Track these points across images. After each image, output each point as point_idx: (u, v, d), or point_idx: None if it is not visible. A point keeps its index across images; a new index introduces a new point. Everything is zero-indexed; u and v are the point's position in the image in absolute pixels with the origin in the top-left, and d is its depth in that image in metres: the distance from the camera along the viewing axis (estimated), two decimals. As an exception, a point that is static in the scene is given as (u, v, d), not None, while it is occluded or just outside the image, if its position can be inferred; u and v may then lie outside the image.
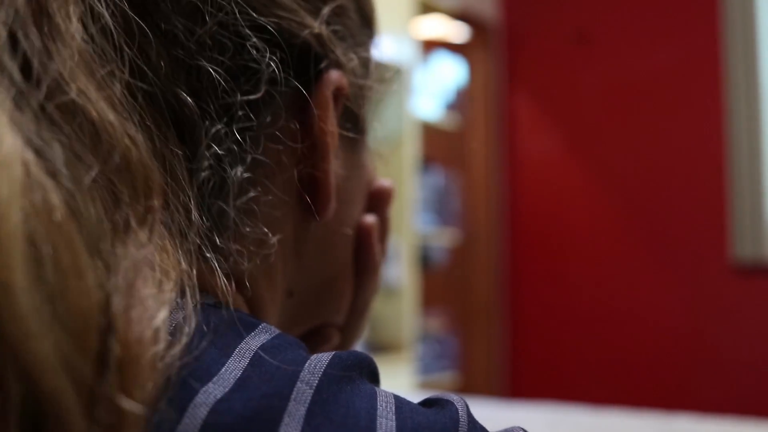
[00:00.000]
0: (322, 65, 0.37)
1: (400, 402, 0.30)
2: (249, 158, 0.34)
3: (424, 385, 3.13)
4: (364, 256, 0.42)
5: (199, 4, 0.32)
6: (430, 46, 3.87)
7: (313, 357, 0.30)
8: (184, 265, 0.29)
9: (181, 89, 0.32)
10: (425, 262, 3.22)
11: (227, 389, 0.27)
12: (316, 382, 0.28)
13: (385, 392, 0.31)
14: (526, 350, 3.78)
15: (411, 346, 2.91)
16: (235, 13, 0.33)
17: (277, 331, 0.31)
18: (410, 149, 3.04)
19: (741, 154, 3.64)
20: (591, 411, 2.28)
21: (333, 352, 0.31)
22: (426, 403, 0.31)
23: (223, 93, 0.33)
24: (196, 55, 0.32)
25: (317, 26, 0.37)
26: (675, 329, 3.82)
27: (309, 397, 0.28)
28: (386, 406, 0.29)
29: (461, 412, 0.31)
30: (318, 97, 0.36)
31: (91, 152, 0.26)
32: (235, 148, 0.33)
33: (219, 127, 0.33)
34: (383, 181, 0.44)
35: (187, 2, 0.32)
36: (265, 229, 0.35)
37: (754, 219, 3.60)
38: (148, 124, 0.30)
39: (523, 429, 0.33)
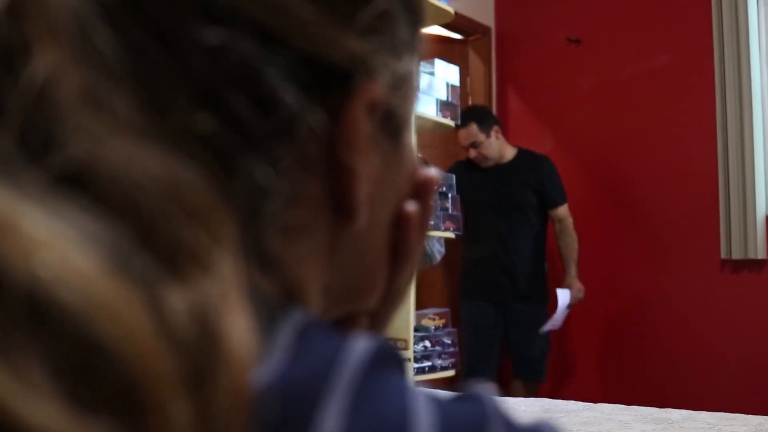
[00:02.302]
0: (354, 80, 0.35)
1: (432, 395, 0.31)
2: (278, 184, 0.33)
3: (421, 382, 3.16)
4: (401, 244, 0.41)
5: (217, 38, 0.31)
6: (428, 49, 3.91)
7: (355, 343, 0.31)
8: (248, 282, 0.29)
9: (203, 121, 0.31)
10: (422, 259, 3.25)
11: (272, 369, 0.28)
12: (360, 369, 0.29)
13: (416, 387, 0.31)
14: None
15: (408, 342, 2.95)
16: (251, 46, 0.32)
17: (317, 320, 0.32)
18: (407, 149, 3.08)
19: (730, 158, 3.70)
20: (586, 404, 2.32)
21: (373, 341, 0.31)
22: (455, 399, 0.32)
23: (247, 123, 0.32)
24: (216, 85, 0.31)
25: (349, 43, 0.35)
26: (668, 320, 3.86)
27: (350, 384, 0.28)
28: (421, 399, 0.30)
29: (490, 405, 0.32)
30: (347, 114, 0.35)
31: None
32: (266, 175, 0.32)
33: (247, 157, 0.32)
34: (429, 170, 0.43)
35: (205, 34, 0.31)
36: (298, 246, 0.35)
37: (742, 220, 3.66)
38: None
39: (550, 424, 0.33)
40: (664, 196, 3.92)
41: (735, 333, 3.68)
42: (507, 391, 3.55)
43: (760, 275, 3.67)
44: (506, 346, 3.90)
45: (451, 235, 3.35)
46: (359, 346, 0.31)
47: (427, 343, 3.20)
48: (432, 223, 3.20)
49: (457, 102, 3.45)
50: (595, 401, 2.59)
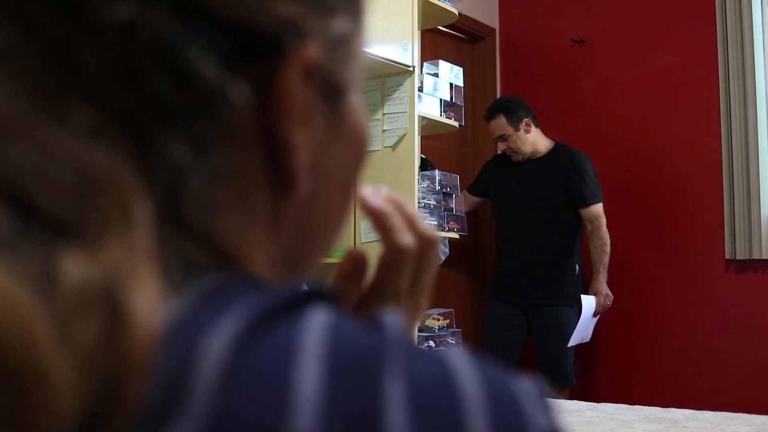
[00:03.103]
0: (284, 46, 0.34)
1: (342, 327, 0.31)
2: (202, 158, 0.33)
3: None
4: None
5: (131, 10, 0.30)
6: (433, 50, 3.92)
7: (259, 294, 0.31)
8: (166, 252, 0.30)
9: (121, 95, 0.30)
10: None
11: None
12: (253, 317, 0.30)
13: (327, 319, 0.31)
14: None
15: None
16: (166, 19, 0.31)
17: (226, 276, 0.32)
18: (411, 149, 3.09)
19: (735, 158, 3.70)
20: (589, 403, 2.32)
21: (279, 293, 0.31)
22: (360, 329, 0.31)
23: (165, 99, 0.31)
24: (129, 61, 0.30)
25: (276, 7, 0.34)
26: (672, 319, 3.87)
27: (242, 329, 0.29)
28: (314, 330, 0.30)
29: (391, 334, 0.31)
30: (278, 83, 0.34)
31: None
32: (184, 151, 0.32)
33: (166, 133, 0.31)
34: (428, 229, 0.44)
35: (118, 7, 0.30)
36: (234, 218, 0.35)
37: (746, 220, 3.66)
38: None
39: (457, 354, 0.32)
40: (669, 196, 3.92)
41: (739, 333, 3.68)
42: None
43: (765, 275, 3.67)
44: (535, 348, 3.73)
45: (455, 235, 3.36)
46: (261, 295, 0.31)
47: (432, 344, 3.21)
48: (436, 223, 3.22)
49: (461, 103, 3.46)
50: (598, 401, 2.60)
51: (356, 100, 0.41)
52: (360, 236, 3.16)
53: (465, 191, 3.89)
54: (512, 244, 3.73)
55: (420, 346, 0.31)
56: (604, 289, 3.60)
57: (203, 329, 0.29)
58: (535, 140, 3.70)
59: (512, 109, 3.69)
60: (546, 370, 3.62)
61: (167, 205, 0.31)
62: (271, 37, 0.34)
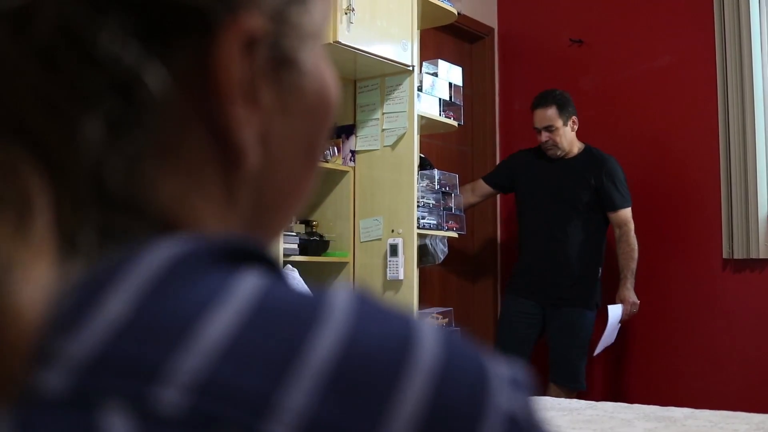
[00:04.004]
0: (218, 18, 0.33)
1: (274, 286, 0.30)
2: (131, 136, 0.32)
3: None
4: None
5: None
6: (432, 50, 3.93)
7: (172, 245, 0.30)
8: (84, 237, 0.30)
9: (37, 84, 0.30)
10: (425, 258, 3.27)
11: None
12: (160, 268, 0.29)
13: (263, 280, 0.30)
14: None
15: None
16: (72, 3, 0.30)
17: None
18: (411, 149, 3.10)
19: (732, 158, 3.71)
20: (588, 402, 2.33)
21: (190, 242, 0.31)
22: (295, 293, 0.30)
23: (80, 82, 0.30)
24: (39, 42, 0.30)
25: None
26: (670, 318, 3.87)
27: (146, 281, 0.28)
28: (235, 290, 0.29)
29: (340, 299, 0.30)
30: (213, 57, 0.33)
31: None
32: (113, 127, 0.31)
33: (84, 115, 0.31)
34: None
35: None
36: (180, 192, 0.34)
37: (744, 219, 3.67)
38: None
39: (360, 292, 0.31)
40: (667, 195, 3.93)
41: (737, 332, 3.69)
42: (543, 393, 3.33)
43: (762, 274, 3.68)
44: (547, 347, 3.65)
45: (454, 234, 3.37)
46: (191, 242, 0.30)
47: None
48: (435, 222, 3.23)
49: (459, 102, 3.47)
50: (597, 399, 2.61)
51: (314, 62, 0.39)
52: (359, 235, 3.17)
53: (480, 181, 3.85)
54: (538, 240, 3.64)
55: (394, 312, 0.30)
56: (632, 297, 3.53)
57: (106, 282, 0.28)
58: (573, 139, 3.65)
59: (564, 103, 3.60)
60: (558, 371, 3.56)
61: (92, 181, 0.31)
62: (203, 9, 0.32)
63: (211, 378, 0.26)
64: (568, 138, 3.61)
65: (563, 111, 3.58)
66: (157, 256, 0.29)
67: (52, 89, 0.30)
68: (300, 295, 0.30)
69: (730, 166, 3.71)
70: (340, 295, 0.30)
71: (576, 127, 3.63)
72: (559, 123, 3.58)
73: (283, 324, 0.28)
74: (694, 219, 3.84)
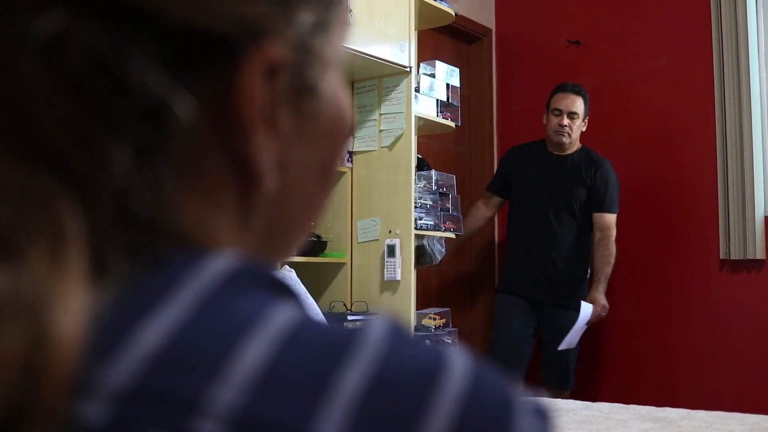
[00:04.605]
0: (242, 47, 0.33)
1: (310, 321, 0.30)
2: (156, 161, 0.32)
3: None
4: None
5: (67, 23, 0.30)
6: (429, 50, 3.93)
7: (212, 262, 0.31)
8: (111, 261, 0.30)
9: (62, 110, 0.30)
10: (423, 259, 3.28)
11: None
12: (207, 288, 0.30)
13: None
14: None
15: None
16: (101, 31, 0.30)
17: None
18: (408, 150, 3.10)
19: (729, 159, 3.71)
20: (584, 402, 2.33)
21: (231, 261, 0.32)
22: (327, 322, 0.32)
23: (105, 110, 0.31)
24: (68, 70, 0.30)
25: (233, 9, 0.33)
26: (667, 319, 3.88)
27: (192, 300, 0.29)
28: (268, 323, 0.29)
29: (373, 331, 0.30)
30: (236, 84, 0.34)
31: None
32: (140, 153, 0.32)
33: (116, 138, 0.31)
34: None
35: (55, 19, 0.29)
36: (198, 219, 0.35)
37: (741, 220, 3.68)
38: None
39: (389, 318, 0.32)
40: (664, 196, 3.93)
41: (733, 332, 3.70)
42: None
43: (759, 275, 3.69)
44: (538, 346, 3.68)
45: (451, 235, 3.37)
46: (215, 264, 0.31)
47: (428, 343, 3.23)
48: (433, 223, 3.23)
49: (457, 103, 3.47)
50: (593, 400, 2.61)
51: (333, 89, 0.40)
52: (356, 236, 3.17)
53: (485, 197, 3.85)
54: (528, 237, 3.63)
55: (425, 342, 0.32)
56: (602, 300, 3.54)
57: (141, 309, 0.29)
58: (578, 138, 3.67)
59: (588, 101, 3.65)
60: (550, 371, 3.59)
61: (118, 205, 0.31)
62: (229, 38, 0.33)
63: (247, 410, 0.27)
64: (577, 133, 3.63)
65: (586, 107, 3.63)
66: (189, 282, 0.30)
67: (83, 118, 0.30)
68: (331, 327, 0.30)
69: (727, 166, 3.71)
70: (371, 327, 0.31)
71: (585, 128, 3.67)
72: (582, 114, 3.61)
73: (315, 355, 0.29)
74: (691, 220, 3.85)
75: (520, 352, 3.59)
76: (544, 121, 3.69)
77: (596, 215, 3.58)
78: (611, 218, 3.59)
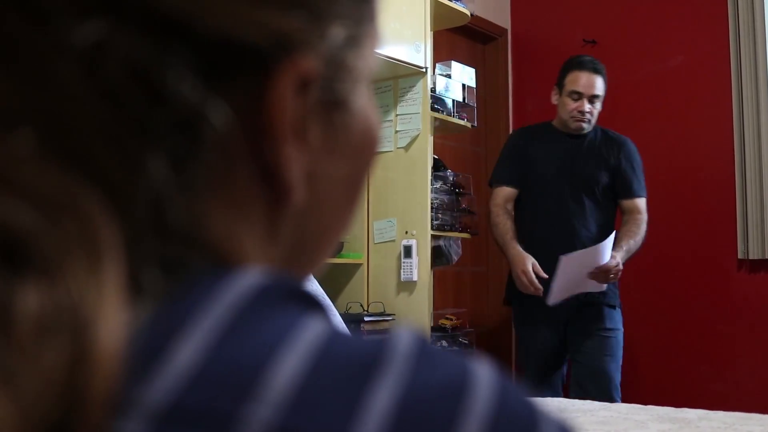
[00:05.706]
0: (276, 59, 0.34)
1: (339, 334, 0.31)
2: (190, 171, 0.32)
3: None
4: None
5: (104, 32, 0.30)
6: (445, 51, 3.93)
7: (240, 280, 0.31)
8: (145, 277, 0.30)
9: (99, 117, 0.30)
10: (439, 260, 3.28)
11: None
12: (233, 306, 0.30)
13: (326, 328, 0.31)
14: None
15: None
16: (139, 40, 0.30)
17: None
18: (424, 150, 3.11)
19: (747, 158, 3.70)
20: (602, 403, 2.33)
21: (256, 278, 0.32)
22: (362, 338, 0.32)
23: (141, 119, 0.31)
24: (107, 78, 0.30)
25: (268, 21, 0.33)
26: (685, 319, 3.86)
27: (217, 320, 0.29)
28: (297, 339, 0.30)
29: (396, 344, 0.31)
30: (269, 96, 0.34)
31: None
32: (174, 163, 0.32)
33: (151, 147, 0.31)
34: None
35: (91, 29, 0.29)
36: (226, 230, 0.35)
37: (759, 219, 3.66)
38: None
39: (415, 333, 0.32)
40: (682, 195, 3.92)
41: (752, 333, 3.68)
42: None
43: (778, 275, 3.67)
44: (570, 357, 3.17)
45: (467, 235, 3.37)
46: (243, 282, 0.31)
47: (444, 344, 3.22)
48: (449, 224, 3.23)
49: (473, 104, 3.47)
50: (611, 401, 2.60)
51: (362, 103, 0.40)
52: (373, 237, 3.18)
53: (500, 191, 3.19)
54: (546, 227, 3.11)
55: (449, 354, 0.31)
56: (620, 263, 2.99)
57: (178, 326, 0.29)
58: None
59: (605, 74, 3.20)
60: (590, 382, 3.05)
61: (151, 216, 0.31)
62: (264, 51, 0.33)
63: (284, 427, 0.27)
64: (596, 117, 3.19)
65: (605, 86, 3.19)
66: (220, 299, 0.30)
67: (120, 127, 0.30)
68: (361, 342, 0.31)
69: (745, 165, 3.69)
70: (400, 342, 0.31)
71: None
72: (602, 96, 3.17)
73: (345, 371, 0.29)
74: (709, 220, 3.83)
75: (549, 363, 3.16)
76: (554, 101, 3.21)
77: (626, 202, 3.14)
78: (642, 202, 3.15)
